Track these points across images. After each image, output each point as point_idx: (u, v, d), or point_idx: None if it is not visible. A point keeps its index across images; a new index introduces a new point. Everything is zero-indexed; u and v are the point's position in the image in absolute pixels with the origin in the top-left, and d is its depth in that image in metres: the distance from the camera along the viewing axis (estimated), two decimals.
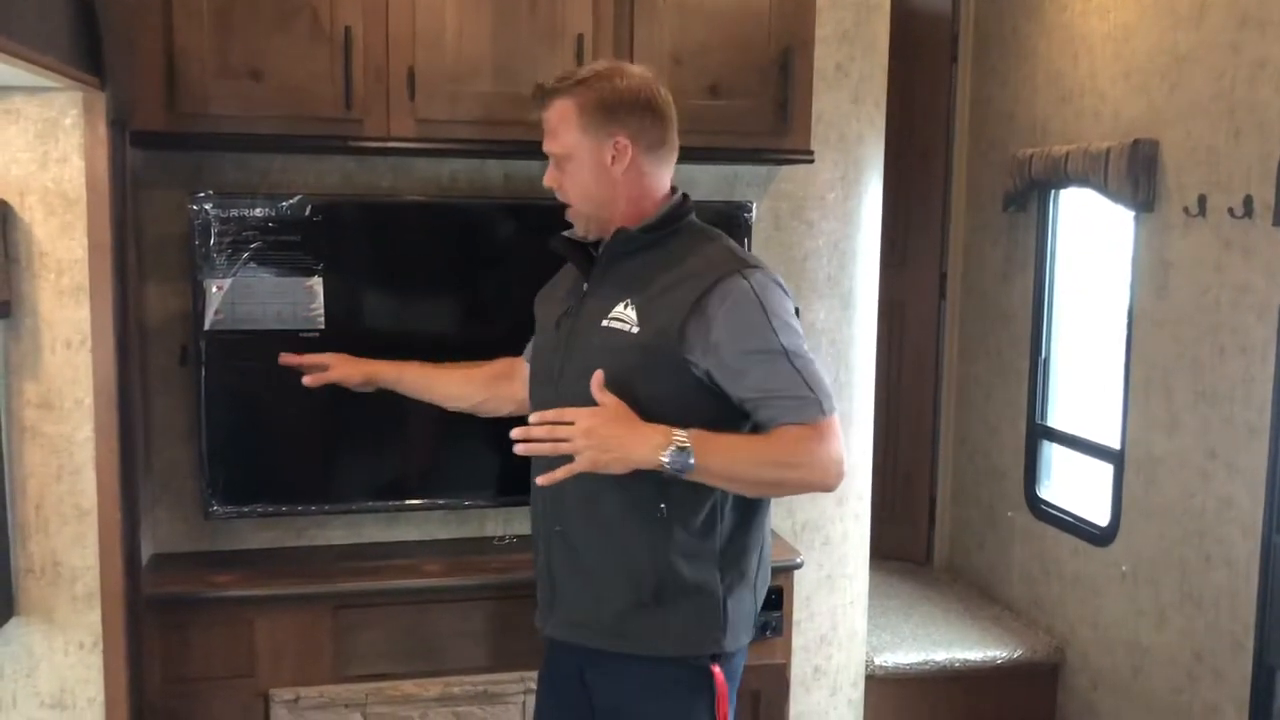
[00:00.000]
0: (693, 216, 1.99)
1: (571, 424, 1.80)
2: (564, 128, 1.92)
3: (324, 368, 2.31)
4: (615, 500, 1.89)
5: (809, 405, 1.83)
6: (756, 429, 1.89)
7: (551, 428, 1.82)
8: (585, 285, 1.97)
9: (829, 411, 1.84)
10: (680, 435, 1.78)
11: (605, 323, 1.90)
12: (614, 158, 1.91)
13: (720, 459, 1.80)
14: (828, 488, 1.88)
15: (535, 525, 2.07)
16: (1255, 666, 2.76)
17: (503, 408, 2.32)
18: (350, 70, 2.41)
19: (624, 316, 1.89)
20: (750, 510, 1.95)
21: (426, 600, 2.59)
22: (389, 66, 2.44)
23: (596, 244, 2.01)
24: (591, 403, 1.83)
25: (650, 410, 1.83)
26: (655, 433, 1.79)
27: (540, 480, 1.85)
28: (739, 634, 1.96)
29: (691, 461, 1.77)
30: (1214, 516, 2.91)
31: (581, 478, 1.83)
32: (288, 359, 2.33)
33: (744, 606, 1.96)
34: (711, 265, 1.89)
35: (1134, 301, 3.23)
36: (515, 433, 1.83)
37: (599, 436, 1.78)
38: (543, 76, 2.47)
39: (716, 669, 1.94)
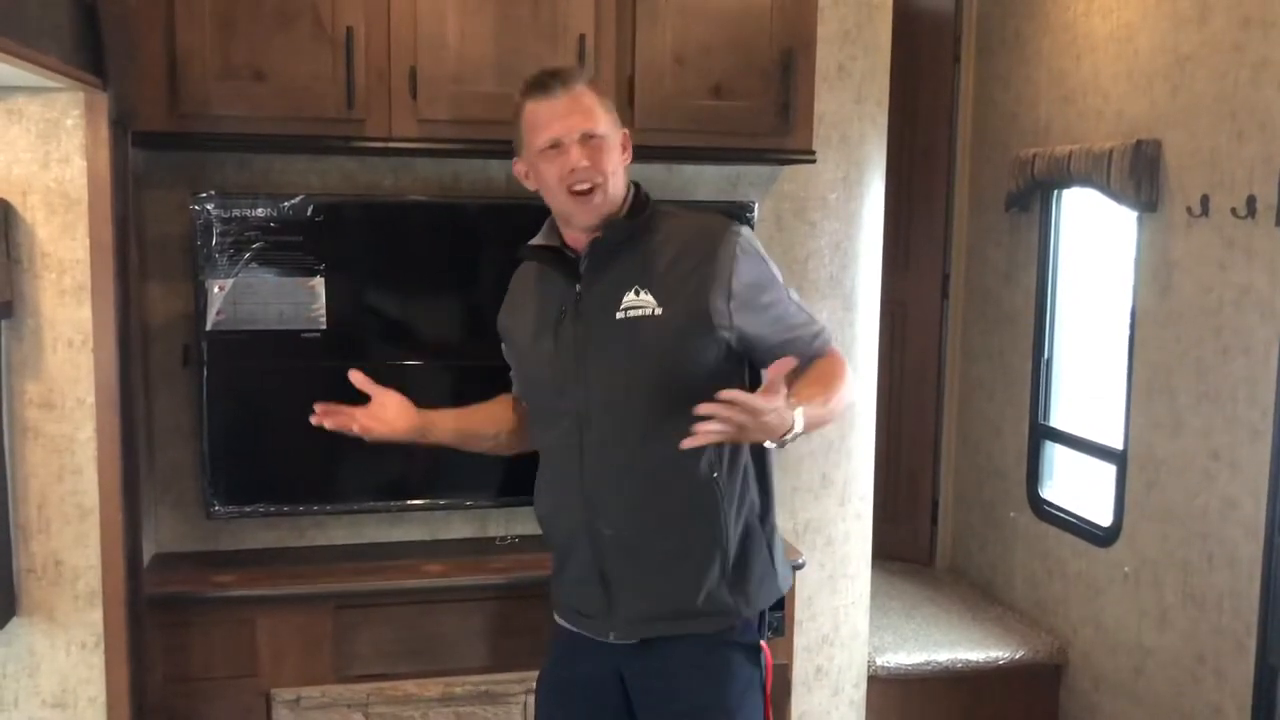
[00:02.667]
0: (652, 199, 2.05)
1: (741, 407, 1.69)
2: (597, 111, 1.94)
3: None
4: (675, 486, 1.92)
5: (822, 333, 1.98)
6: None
7: (731, 415, 1.69)
8: (578, 286, 1.96)
9: (831, 335, 2.02)
10: (799, 415, 1.77)
11: (620, 314, 1.91)
12: (624, 149, 1.99)
13: (812, 419, 1.82)
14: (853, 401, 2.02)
15: (570, 533, 2.03)
16: (1257, 667, 2.76)
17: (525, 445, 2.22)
18: (352, 70, 2.41)
19: (640, 302, 1.91)
20: (760, 462, 2.02)
21: (428, 600, 2.59)
22: (391, 67, 2.44)
23: (564, 249, 2.01)
24: (624, 399, 1.90)
25: (686, 385, 1.86)
26: (788, 418, 1.77)
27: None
28: (786, 576, 2.08)
29: (798, 435, 1.79)
30: (1217, 517, 2.90)
31: (624, 477, 1.92)
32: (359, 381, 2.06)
33: (780, 550, 2.07)
34: (704, 229, 1.97)
35: (1137, 302, 3.22)
36: (704, 408, 1.68)
37: (764, 423, 1.72)
38: None
39: (765, 646, 2.03)
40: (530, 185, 2.01)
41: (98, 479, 2.18)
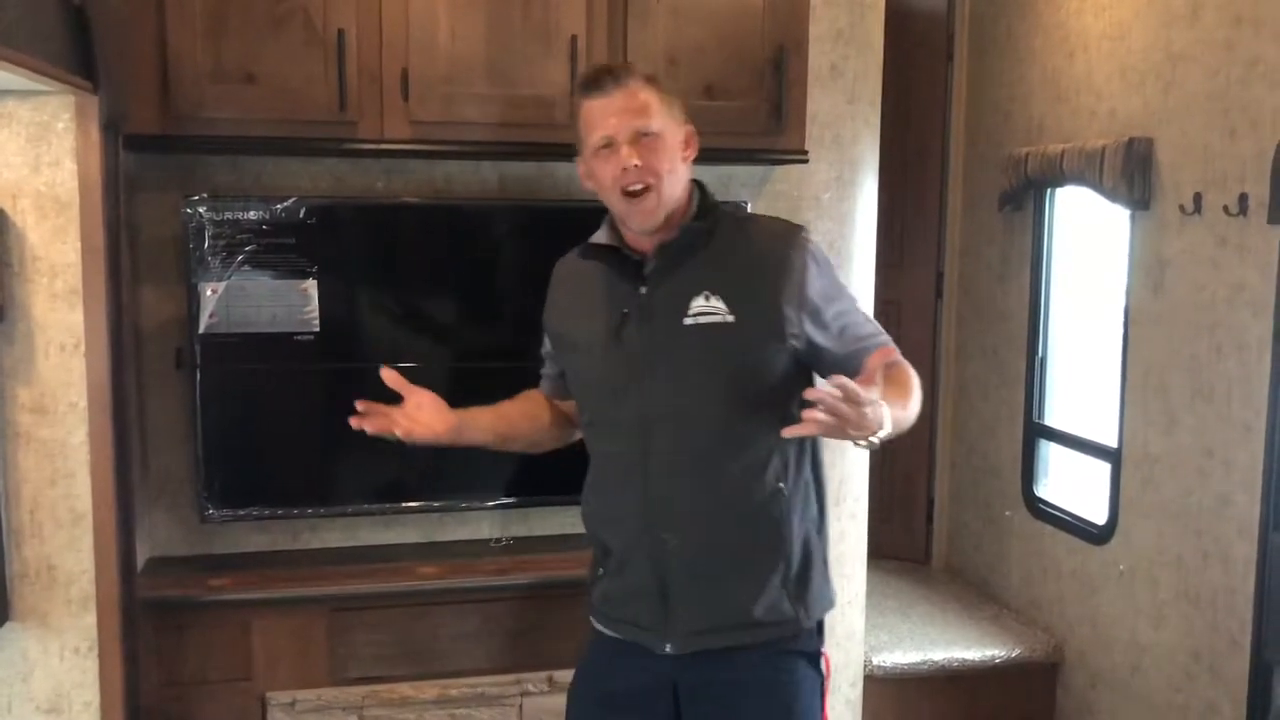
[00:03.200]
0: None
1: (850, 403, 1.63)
2: (652, 108, 1.86)
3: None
4: (743, 496, 1.89)
5: (880, 336, 1.95)
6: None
7: (836, 404, 1.62)
8: (643, 289, 1.90)
9: (889, 338, 1.97)
10: (888, 415, 1.70)
11: (689, 320, 1.86)
12: (685, 145, 1.92)
13: (894, 415, 1.75)
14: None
15: (628, 541, 1.96)
16: (1252, 664, 2.76)
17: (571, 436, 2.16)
18: (344, 72, 2.41)
19: (710, 308, 1.86)
20: (817, 474, 2.00)
21: (423, 603, 2.59)
22: (382, 68, 2.44)
23: (625, 249, 1.94)
24: (692, 406, 1.86)
25: (755, 393, 1.84)
26: (881, 415, 1.69)
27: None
28: (834, 588, 2.06)
29: (887, 436, 1.73)
30: (1211, 515, 2.91)
31: (691, 486, 1.87)
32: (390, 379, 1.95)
33: (829, 562, 2.05)
34: (775, 236, 1.94)
35: (1130, 299, 3.22)
36: (812, 394, 1.62)
37: (865, 413, 1.65)
38: (537, 78, 2.51)
39: (826, 654, 2.01)
40: (589, 186, 1.94)
41: (91, 483, 2.17)
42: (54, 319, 2.14)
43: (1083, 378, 3.67)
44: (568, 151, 2.63)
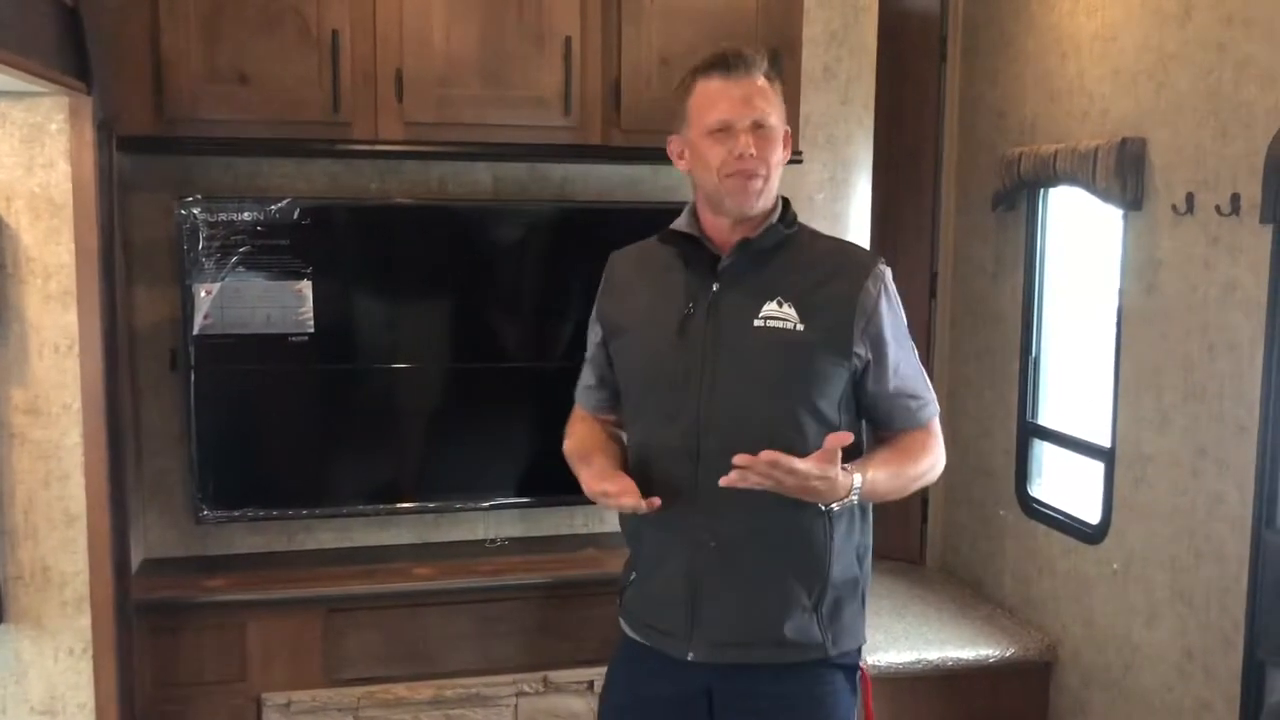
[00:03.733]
0: None
1: (791, 469, 1.73)
2: (772, 101, 1.87)
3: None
4: (791, 509, 1.85)
5: (928, 407, 1.98)
6: (870, 422, 1.97)
7: (772, 470, 1.72)
8: (716, 285, 1.88)
9: (937, 410, 1.99)
10: (857, 485, 1.83)
11: (759, 322, 1.85)
12: (785, 145, 1.92)
13: (878, 490, 1.89)
14: (934, 480, 2.04)
15: (665, 540, 1.94)
16: (1246, 663, 2.77)
17: None
18: (338, 74, 2.41)
19: (783, 315, 1.85)
20: (865, 506, 1.99)
21: (418, 603, 2.59)
22: (377, 70, 2.45)
23: (700, 241, 1.92)
24: (750, 408, 1.85)
25: (813, 405, 1.85)
26: (843, 486, 1.80)
27: (723, 481, 1.73)
28: (864, 626, 2.05)
29: (854, 502, 1.86)
30: (1204, 514, 2.92)
31: (747, 492, 1.82)
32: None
33: (866, 600, 2.04)
34: (854, 257, 1.96)
35: (1123, 299, 3.23)
36: (740, 459, 1.70)
37: (811, 487, 1.76)
38: (531, 80, 2.51)
39: (865, 668, 1.99)
40: (682, 166, 1.92)
41: (85, 484, 2.17)
42: (48, 320, 2.13)
43: (1076, 377, 3.68)
44: (562, 153, 2.66)
